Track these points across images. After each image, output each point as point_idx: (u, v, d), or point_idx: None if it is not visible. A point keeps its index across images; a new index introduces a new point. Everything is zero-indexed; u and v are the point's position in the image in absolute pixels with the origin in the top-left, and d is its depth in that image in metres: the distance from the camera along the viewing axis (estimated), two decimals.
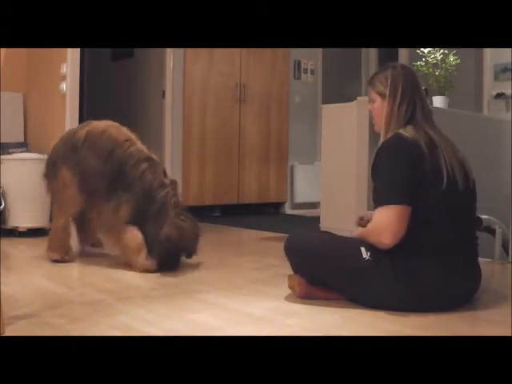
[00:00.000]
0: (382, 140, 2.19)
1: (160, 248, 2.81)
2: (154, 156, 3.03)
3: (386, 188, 2.09)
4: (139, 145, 3.05)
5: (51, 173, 3.14)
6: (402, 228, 2.03)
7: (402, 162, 2.07)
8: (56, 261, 3.03)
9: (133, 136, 3.10)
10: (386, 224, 2.03)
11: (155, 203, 2.86)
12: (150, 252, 2.87)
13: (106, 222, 2.97)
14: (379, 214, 2.07)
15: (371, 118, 2.35)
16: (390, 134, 2.15)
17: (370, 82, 2.28)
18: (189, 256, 2.96)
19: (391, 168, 2.09)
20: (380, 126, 2.24)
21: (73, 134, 3.14)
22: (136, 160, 2.94)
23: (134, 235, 2.87)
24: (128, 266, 2.88)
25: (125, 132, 3.12)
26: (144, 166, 2.93)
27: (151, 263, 2.85)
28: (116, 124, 3.20)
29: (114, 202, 2.91)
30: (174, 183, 2.99)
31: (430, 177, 2.06)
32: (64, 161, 3.06)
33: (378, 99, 2.23)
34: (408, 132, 2.11)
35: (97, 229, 3.17)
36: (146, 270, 2.82)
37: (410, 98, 2.17)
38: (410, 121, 2.15)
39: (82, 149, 3.03)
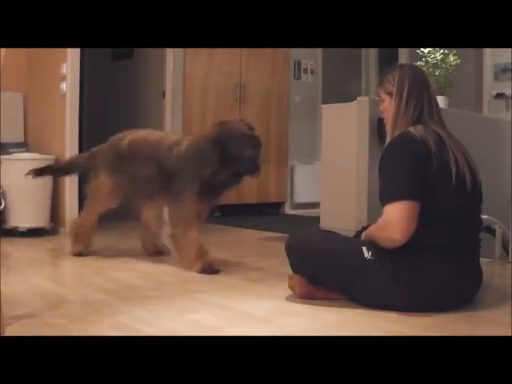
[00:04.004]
0: (388, 139, 2.19)
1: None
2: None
3: (395, 184, 2.06)
4: (172, 136, 3.20)
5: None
6: (413, 224, 2.00)
7: (409, 159, 2.06)
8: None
9: (165, 134, 3.33)
10: (397, 220, 2.00)
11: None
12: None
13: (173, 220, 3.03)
14: (389, 210, 2.04)
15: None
16: (396, 133, 2.15)
17: (379, 83, 2.28)
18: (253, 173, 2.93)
19: (399, 165, 2.07)
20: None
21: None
22: (172, 148, 2.99)
23: (196, 244, 2.92)
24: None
25: (158, 134, 3.27)
26: (179, 148, 2.95)
27: (210, 264, 2.89)
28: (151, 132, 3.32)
29: (176, 197, 2.95)
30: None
31: (438, 176, 2.05)
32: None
33: (387, 99, 2.23)
34: (416, 130, 2.10)
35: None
36: (202, 271, 2.86)
37: (418, 97, 2.16)
38: (418, 120, 2.15)
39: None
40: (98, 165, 3.20)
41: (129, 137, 3.17)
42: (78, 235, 3.27)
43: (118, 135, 3.25)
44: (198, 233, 2.91)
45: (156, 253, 3.37)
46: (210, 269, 2.85)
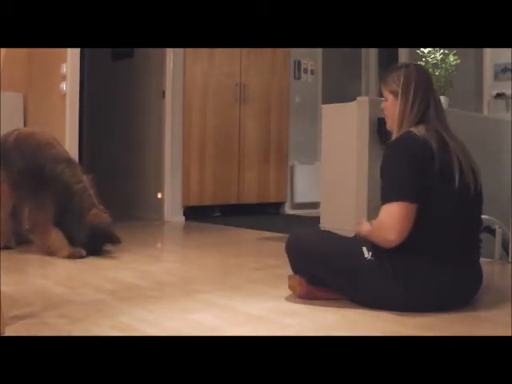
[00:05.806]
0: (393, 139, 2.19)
1: (84, 235, 3.19)
2: (71, 157, 3.43)
3: (392, 185, 2.07)
4: (60, 148, 3.41)
5: None
6: (408, 225, 2.01)
7: (408, 159, 2.06)
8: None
9: (54, 140, 3.44)
10: (392, 221, 2.01)
11: (74, 197, 3.23)
12: (73, 240, 3.24)
13: (33, 218, 3.33)
14: (385, 211, 2.05)
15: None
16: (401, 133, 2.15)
17: (384, 81, 2.27)
18: (114, 243, 3.28)
19: (397, 165, 2.08)
20: (392, 124, 2.24)
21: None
22: (55, 161, 3.27)
23: (58, 236, 3.23)
24: (52, 254, 3.22)
25: (47, 136, 3.47)
26: (62, 166, 3.27)
27: (77, 250, 3.19)
28: (40, 130, 3.61)
29: (39, 200, 3.27)
30: (90, 179, 3.33)
31: (440, 176, 2.05)
32: None
33: (391, 97, 2.22)
34: (419, 131, 2.10)
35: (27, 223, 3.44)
36: (71, 256, 3.16)
37: (423, 97, 2.16)
38: (422, 120, 2.14)
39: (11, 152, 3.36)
40: None
41: (15, 133, 3.42)
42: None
43: (6, 133, 3.48)
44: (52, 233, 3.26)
45: (22, 242, 3.54)
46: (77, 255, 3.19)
